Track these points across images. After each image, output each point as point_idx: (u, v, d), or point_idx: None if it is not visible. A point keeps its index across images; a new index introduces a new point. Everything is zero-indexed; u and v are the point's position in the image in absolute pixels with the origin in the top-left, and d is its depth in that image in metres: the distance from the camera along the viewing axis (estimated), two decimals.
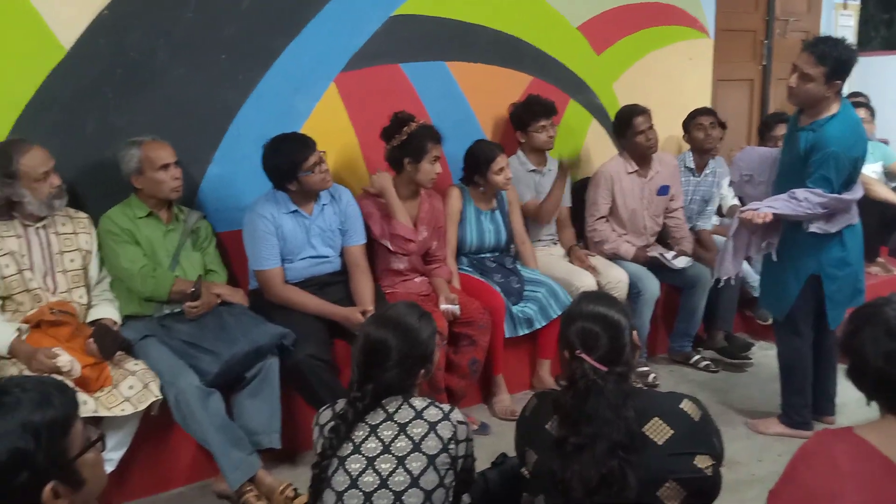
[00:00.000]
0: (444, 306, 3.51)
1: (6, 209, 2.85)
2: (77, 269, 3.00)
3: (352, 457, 1.93)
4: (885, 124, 5.45)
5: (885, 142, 5.31)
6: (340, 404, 2.02)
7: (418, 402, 2.00)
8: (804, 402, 3.47)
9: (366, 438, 1.95)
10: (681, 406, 1.87)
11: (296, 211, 3.35)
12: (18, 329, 2.77)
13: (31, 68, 3.06)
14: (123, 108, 3.25)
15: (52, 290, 2.93)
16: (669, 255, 4.25)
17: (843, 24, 6.46)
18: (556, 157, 4.21)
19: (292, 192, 3.33)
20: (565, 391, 1.88)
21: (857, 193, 3.25)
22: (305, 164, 3.25)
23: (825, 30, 6.16)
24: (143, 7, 3.25)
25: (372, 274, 3.53)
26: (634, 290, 4.10)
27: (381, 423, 1.96)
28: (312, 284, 3.38)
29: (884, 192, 4.68)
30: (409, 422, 1.96)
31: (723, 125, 4.90)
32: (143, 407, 2.78)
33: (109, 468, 2.72)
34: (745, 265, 4.21)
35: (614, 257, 4.24)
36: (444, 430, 1.96)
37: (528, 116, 4.14)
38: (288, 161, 3.26)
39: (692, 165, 4.61)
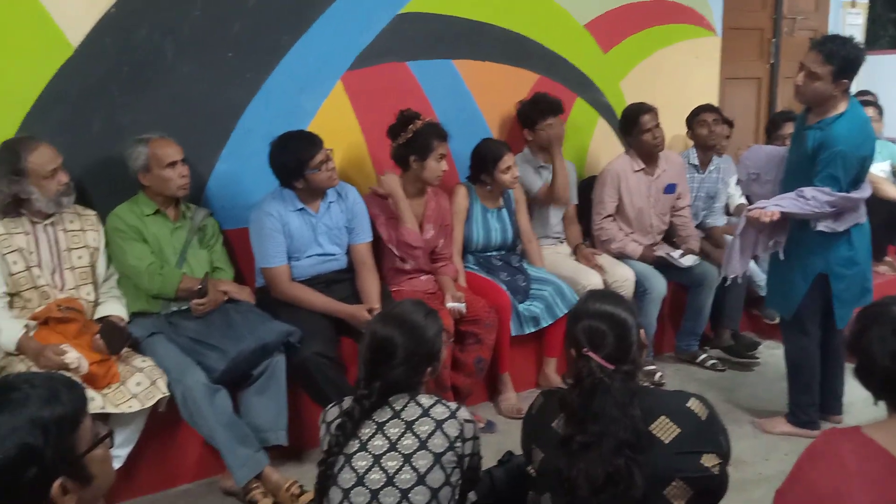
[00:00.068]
0: (450, 304, 3.51)
1: (14, 206, 2.86)
2: (85, 266, 3.01)
3: (358, 454, 1.93)
4: (893, 123, 5.43)
5: (894, 140, 5.29)
6: (347, 402, 2.02)
7: (425, 400, 2.00)
8: (811, 401, 3.47)
9: (372, 436, 1.95)
10: (688, 405, 1.87)
11: (302, 209, 3.36)
12: (26, 326, 2.78)
13: (39, 66, 3.07)
14: (131, 106, 3.26)
15: (60, 287, 2.93)
16: (676, 253, 4.25)
17: (851, 22, 6.44)
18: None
19: (299, 190, 3.34)
20: (572, 389, 1.88)
21: (865, 192, 3.24)
22: (312, 162, 3.25)
23: (833, 28, 6.14)
24: (150, 5, 3.26)
25: (378, 272, 3.53)
26: (641, 289, 4.09)
27: (387, 421, 1.96)
28: (319, 282, 3.38)
29: (892, 191, 4.67)
30: (416, 420, 1.96)
31: (730, 123, 4.89)
32: (150, 404, 2.79)
33: (117, 465, 2.73)
34: (752, 264, 4.21)
35: (621, 256, 4.23)
36: (451, 429, 1.96)
37: (535, 114, 4.13)
38: (295, 159, 3.26)
39: (696, 162, 4.61)
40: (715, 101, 5.20)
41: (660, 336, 4.41)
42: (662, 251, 4.27)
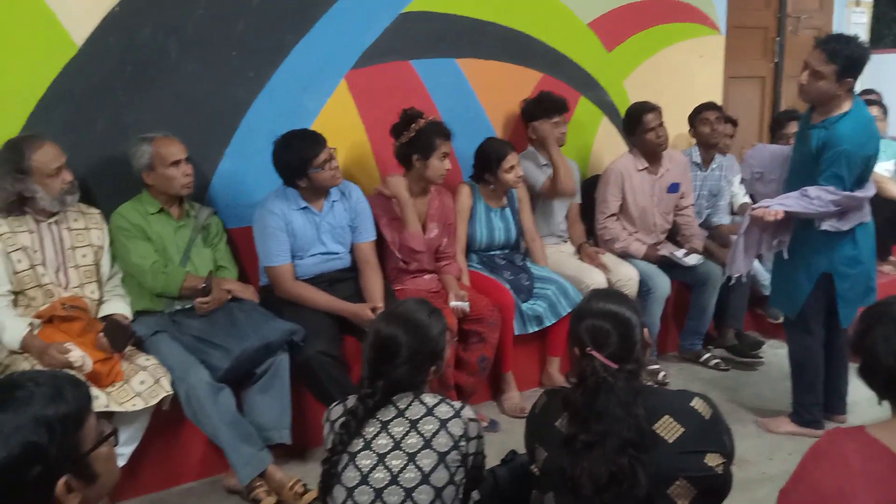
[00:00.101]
0: (453, 303, 3.51)
1: (18, 205, 2.87)
2: (89, 264, 3.01)
3: (362, 453, 1.93)
4: None
5: None
6: (352, 400, 2.02)
7: (429, 399, 2.00)
8: (815, 400, 3.46)
9: (377, 435, 1.95)
10: (691, 404, 1.87)
11: (306, 207, 3.36)
12: (30, 324, 2.78)
13: (43, 65, 3.08)
14: (135, 105, 3.27)
15: (65, 285, 2.94)
16: (680, 252, 4.24)
17: (855, 21, 6.43)
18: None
19: (302, 189, 3.34)
20: (575, 388, 1.87)
21: (869, 191, 3.24)
22: (315, 161, 3.25)
23: (837, 27, 6.12)
24: (154, 4, 3.26)
25: (382, 271, 3.53)
26: (645, 288, 4.09)
27: (392, 420, 1.96)
28: (322, 281, 3.38)
29: None
30: (421, 418, 1.96)
31: (734, 122, 4.89)
32: (154, 402, 2.80)
33: (121, 463, 2.73)
34: (756, 263, 4.20)
35: (624, 255, 4.23)
36: (455, 428, 1.96)
37: (539, 112, 4.13)
38: (298, 158, 3.26)
39: (698, 160, 4.60)
40: (719, 100, 5.19)
41: (663, 335, 4.40)
42: (666, 250, 4.27)
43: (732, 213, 4.82)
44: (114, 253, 3.10)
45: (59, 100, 3.10)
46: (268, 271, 3.34)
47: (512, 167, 3.84)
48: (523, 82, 4.37)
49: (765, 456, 3.30)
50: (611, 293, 2.08)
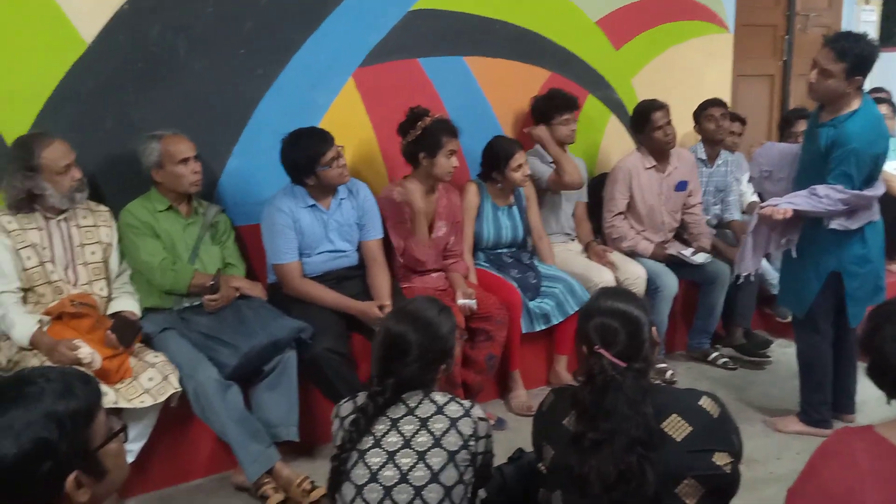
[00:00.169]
0: (461, 301, 3.51)
1: (28, 202, 2.88)
2: (98, 261, 3.02)
3: (372, 450, 1.93)
4: None
5: None
6: (361, 397, 2.02)
7: (439, 398, 2.00)
8: (824, 399, 3.45)
9: (387, 432, 1.95)
10: (699, 403, 1.86)
11: (313, 205, 3.36)
12: (40, 321, 2.80)
13: (52, 62, 3.09)
14: (143, 103, 3.28)
15: (74, 282, 2.95)
16: (688, 251, 4.24)
17: (864, 19, 6.40)
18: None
19: (310, 187, 3.34)
20: (583, 387, 1.87)
21: (878, 190, 3.23)
22: (323, 159, 3.26)
23: (846, 25, 6.10)
24: (162, 2, 3.28)
25: (389, 269, 3.54)
26: (652, 287, 4.08)
27: (401, 418, 1.96)
28: (330, 279, 3.39)
29: None
30: (431, 417, 1.96)
31: (742, 121, 4.88)
32: (162, 399, 2.81)
33: (129, 459, 2.74)
34: (765, 262, 4.19)
35: (632, 254, 4.22)
36: (465, 427, 1.95)
37: (550, 109, 4.11)
38: (306, 156, 3.27)
39: (704, 156, 4.59)
40: (727, 99, 5.17)
41: (671, 334, 4.40)
42: (674, 249, 4.26)
43: (741, 211, 4.81)
44: (122, 250, 3.12)
45: (68, 98, 3.12)
46: (276, 269, 3.35)
47: (520, 166, 3.84)
48: (531, 80, 4.37)
49: (773, 455, 3.30)
50: (619, 291, 2.08)
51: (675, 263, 4.19)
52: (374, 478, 1.90)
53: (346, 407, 2.05)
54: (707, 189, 4.60)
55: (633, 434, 1.76)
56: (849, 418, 3.52)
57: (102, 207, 3.11)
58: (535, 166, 4.09)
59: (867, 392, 3.48)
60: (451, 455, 1.92)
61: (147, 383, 2.80)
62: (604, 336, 1.86)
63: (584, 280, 3.93)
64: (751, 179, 4.17)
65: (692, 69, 5.04)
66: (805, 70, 3.55)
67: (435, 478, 1.89)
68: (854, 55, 3.06)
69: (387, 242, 3.60)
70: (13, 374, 1.41)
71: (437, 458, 1.91)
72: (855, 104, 3.14)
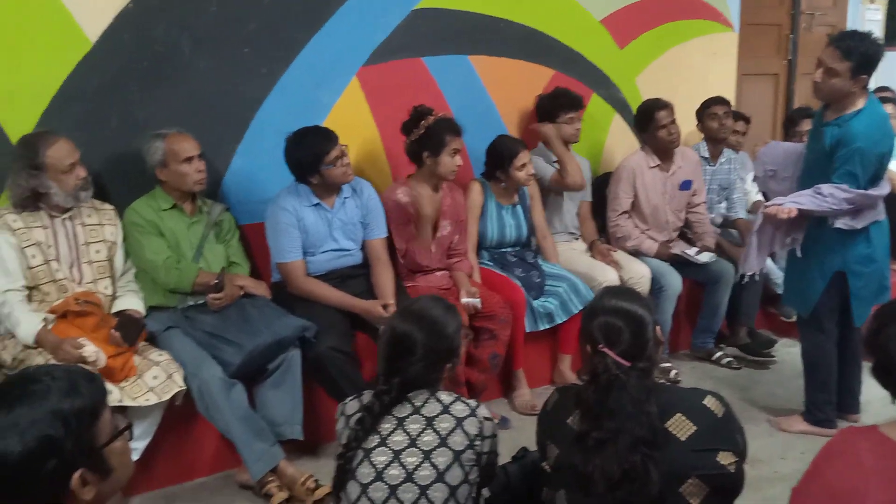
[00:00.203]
0: (465, 300, 3.51)
1: (33, 200, 2.88)
2: (102, 260, 3.03)
3: (378, 449, 1.93)
4: None
5: None
6: (367, 396, 2.02)
7: (445, 397, 2.00)
8: (828, 399, 3.45)
9: (392, 431, 1.94)
10: (704, 402, 1.86)
11: (318, 204, 3.37)
12: (44, 319, 2.80)
13: (57, 61, 3.09)
14: (148, 102, 3.28)
15: (78, 280, 2.96)
16: (692, 250, 4.23)
17: (870, 18, 6.39)
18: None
19: (314, 186, 3.35)
20: (587, 386, 1.87)
21: (883, 189, 3.22)
22: (327, 158, 3.26)
23: (852, 24, 6.09)
24: (167, 1, 3.28)
25: (393, 267, 3.54)
26: (657, 286, 4.08)
27: (407, 417, 1.96)
28: (334, 277, 3.39)
29: None
30: (436, 416, 1.95)
31: (747, 120, 4.87)
32: (167, 397, 2.81)
33: (134, 457, 2.74)
34: (769, 261, 4.18)
35: (636, 253, 4.22)
36: (471, 427, 1.95)
37: (555, 108, 4.11)
38: (310, 154, 3.27)
39: (706, 155, 4.59)
40: (732, 98, 5.17)
41: (675, 333, 4.39)
42: (678, 248, 4.25)
43: (747, 210, 4.80)
44: (127, 249, 3.12)
45: (72, 96, 3.12)
46: (280, 268, 3.35)
47: (523, 165, 3.83)
48: (535, 79, 4.36)
49: (777, 455, 3.29)
50: (623, 290, 2.07)
51: (680, 263, 4.19)
52: (379, 476, 1.90)
53: (351, 405, 2.05)
54: (710, 187, 4.59)
55: (637, 433, 1.76)
56: (853, 418, 3.51)
57: (107, 206, 3.12)
58: (539, 166, 4.08)
59: (872, 392, 3.49)
60: (457, 454, 1.92)
61: (151, 381, 2.80)
62: (608, 335, 1.86)
63: (588, 279, 3.93)
64: (755, 179, 4.16)
65: (697, 68, 5.03)
66: (810, 69, 3.54)
67: (440, 477, 1.89)
68: (859, 54, 3.05)
69: (391, 241, 3.60)
70: (18, 372, 1.42)
71: (442, 458, 1.91)
72: (860, 103, 3.14)
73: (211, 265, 3.19)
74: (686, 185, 4.31)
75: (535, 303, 3.81)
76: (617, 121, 4.80)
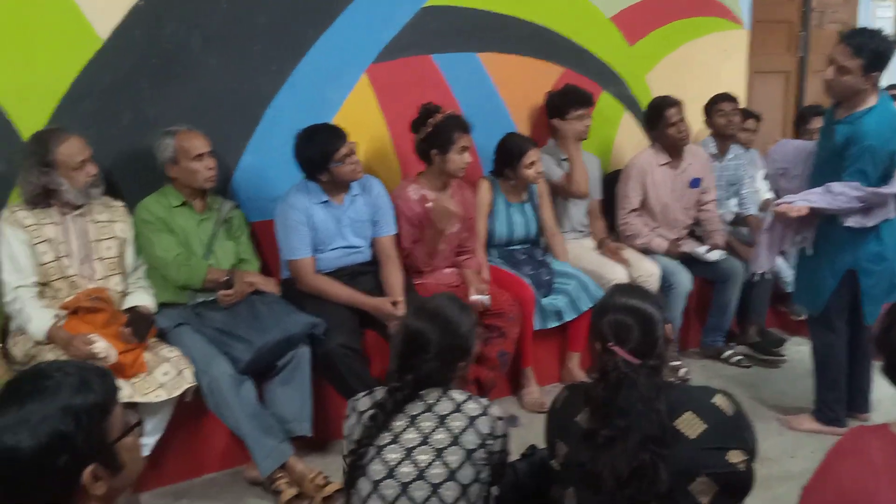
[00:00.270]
0: (474, 297, 3.51)
1: (44, 197, 2.90)
2: (113, 256, 3.04)
3: (390, 446, 1.93)
4: None
5: None
6: (379, 392, 2.03)
7: (458, 396, 2.00)
8: (838, 398, 3.43)
9: (405, 429, 1.94)
10: (713, 400, 1.86)
11: (327, 201, 3.37)
12: (56, 315, 2.82)
13: (68, 59, 3.10)
14: (158, 99, 3.29)
15: (89, 277, 2.97)
16: (702, 248, 4.22)
17: (880, 15, 6.36)
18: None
19: (324, 183, 3.35)
20: (597, 383, 1.87)
21: (894, 187, 3.20)
22: (337, 155, 3.27)
23: (862, 21, 6.05)
24: None
25: (402, 264, 3.54)
26: (666, 284, 4.07)
27: (420, 414, 1.96)
28: (343, 274, 3.40)
29: None
30: (449, 414, 1.95)
31: (757, 117, 4.85)
32: (177, 393, 2.82)
33: (144, 453, 2.76)
34: (779, 259, 4.17)
35: (646, 251, 4.21)
36: (483, 426, 1.95)
37: (564, 105, 4.10)
38: (320, 152, 3.27)
39: (714, 151, 4.57)
40: (742, 95, 5.15)
41: (685, 332, 4.38)
42: (688, 246, 4.24)
43: (758, 209, 4.78)
44: (138, 245, 3.13)
45: (84, 94, 3.13)
46: (289, 265, 3.36)
47: (532, 163, 3.83)
48: (545, 76, 4.35)
49: (787, 453, 3.29)
50: (634, 288, 2.07)
51: (690, 261, 4.18)
52: (391, 474, 1.90)
53: (363, 402, 2.04)
54: (719, 184, 4.57)
55: (646, 431, 1.76)
56: (864, 417, 3.50)
57: (118, 203, 3.13)
58: (546, 165, 4.07)
59: (882, 390, 3.49)
60: (469, 453, 1.92)
61: (162, 378, 2.81)
62: (618, 333, 1.85)
63: (597, 277, 3.92)
64: (766, 177, 4.14)
65: (707, 65, 5.01)
66: (821, 66, 3.53)
67: (452, 476, 1.89)
68: (870, 51, 3.04)
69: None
70: (30, 367, 1.42)
71: (454, 456, 1.91)
72: (871, 101, 3.12)
73: (221, 262, 3.20)
74: (696, 183, 4.30)
75: (544, 300, 3.81)
76: (626, 118, 4.79)
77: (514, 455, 2.29)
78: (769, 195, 4.65)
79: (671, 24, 4.85)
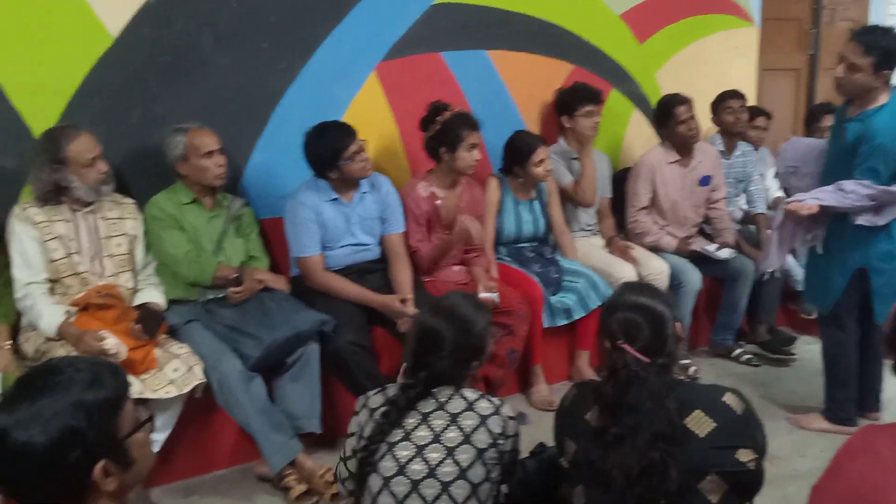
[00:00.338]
0: (483, 295, 3.50)
1: (55, 194, 2.91)
2: (124, 253, 3.05)
3: (401, 443, 1.93)
4: None
5: None
6: (392, 389, 2.03)
7: (470, 394, 2.00)
8: (848, 397, 3.42)
9: (417, 426, 1.95)
10: (723, 399, 1.85)
11: (336, 199, 3.37)
12: (67, 311, 2.83)
13: (79, 56, 3.11)
14: (168, 96, 3.30)
15: (100, 273, 2.98)
16: (712, 246, 4.21)
17: (892, 13, 6.32)
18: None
19: (333, 180, 3.35)
20: (606, 381, 1.87)
21: None
22: (346, 153, 3.27)
23: (874, 18, 6.02)
24: None
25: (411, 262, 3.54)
26: (675, 282, 4.06)
27: (432, 412, 1.96)
28: (352, 272, 3.40)
29: None
30: (461, 413, 1.95)
31: (768, 115, 4.83)
32: (187, 390, 2.83)
33: (154, 449, 2.76)
34: (790, 258, 4.16)
35: (655, 249, 4.20)
36: (495, 425, 1.95)
37: (574, 101, 4.10)
38: (329, 149, 3.28)
39: (722, 148, 4.55)
40: (753, 93, 5.13)
41: (694, 330, 4.38)
42: (698, 244, 4.23)
43: (767, 207, 4.77)
44: (148, 242, 3.14)
45: (94, 91, 3.14)
46: (299, 262, 3.37)
47: (541, 161, 3.83)
48: (554, 74, 4.35)
49: (796, 452, 3.27)
50: (643, 286, 2.06)
51: (699, 259, 4.17)
52: (401, 471, 1.90)
53: (375, 399, 2.05)
54: (727, 181, 4.56)
55: (656, 429, 1.76)
56: (874, 416, 3.49)
57: (128, 200, 3.14)
58: (554, 167, 4.06)
59: (893, 389, 3.48)
60: (480, 452, 1.92)
61: (172, 374, 2.82)
62: (627, 331, 1.85)
63: (605, 275, 3.91)
64: (777, 175, 4.13)
65: (717, 63, 5.00)
66: (831, 64, 3.51)
67: (463, 474, 1.89)
68: (882, 49, 3.03)
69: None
70: (42, 363, 1.43)
71: (465, 455, 1.91)
72: (882, 99, 3.11)
73: (230, 259, 3.21)
74: (705, 181, 4.29)
75: (553, 298, 3.80)
76: (636, 116, 4.77)
77: (523, 453, 2.30)
78: (779, 193, 4.64)
79: (681, 22, 4.84)
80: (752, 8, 5.16)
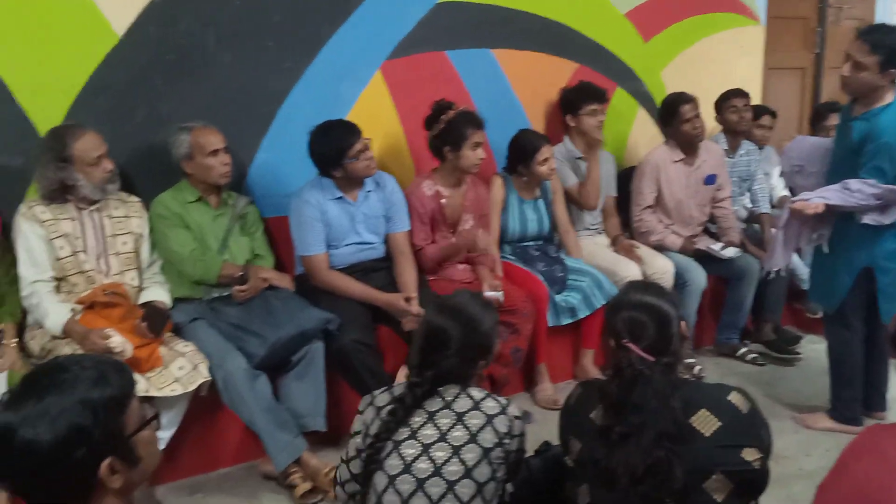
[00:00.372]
0: (487, 293, 3.51)
1: (60, 192, 2.91)
2: (129, 251, 3.06)
3: (407, 442, 1.93)
4: None
5: None
6: (399, 388, 2.03)
7: (476, 393, 2.00)
8: (854, 396, 3.42)
9: (423, 424, 1.95)
10: (728, 398, 1.85)
11: (341, 197, 3.38)
12: (72, 309, 2.84)
13: (85, 55, 3.12)
14: (173, 95, 3.30)
15: (106, 272, 2.99)
16: (717, 245, 4.20)
17: None
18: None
19: (337, 179, 3.36)
20: (611, 380, 1.87)
21: None
22: (351, 151, 3.27)
23: (880, 17, 6.01)
24: None
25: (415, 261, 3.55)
26: (680, 281, 4.05)
27: (438, 411, 1.96)
28: (357, 270, 3.40)
29: None
30: (467, 412, 1.95)
31: (773, 114, 4.82)
32: (192, 388, 2.83)
33: (160, 447, 2.77)
34: (795, 257, 4.15)
35: (660, 248, 4.20)
36: (501, 425, 1.95)
37: (578, 99, 4.09)
38: (334, 148, 3.28)
39: (726, 146, 4.54)
40: (758, 92, 5.12)
41: (699, 329, 4.37)
42: (703, 243, 4.23)
43: (772, 206, 4.76)
44: (153, 241, 3.15)
45: (100, 89, 3.15)
46: (303, 260, 3.37)
47: (546, 160, 3.82)
48: (559, 73, 4.35)
49: (802, 452, 3.27)
50: (648, 285, 2.06)
51: (704, 258, 4.16)
52: (407, 469, 1.90)
53: (382, 397, 2.04)
54: (731, 179, 4.55)
55: (661, 428, 1.75)
56: (879, 415, 3.48)
57: (134, 198, 3.15)
58: (559, 168, 4.05)
59: None
60: (486, 452, 1.92)
61: (177, 372, 2.83)
62: (632, 330, 1.85)
63: (610, 274, 3.91)
64: (782, 174, 4.13)
65: (722, 62, 4.99)
66: (837, 63, 3.50)
67: (468, 473, 1.89)
68: (888, 48, 3.02)
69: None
70: (48, 361, 1.43)
71: (471, 454, 1.91)
72: (888, 97, 3.10)
73: (236, 257, 3.22)
74: (710, 180, 4.28)
75: (558, 297, 3.80)
76: (641, 114, 4.77)
77: (528, 451, 2.30)
78: (785, 192, 4.63)
79: (686, 21, 4.83)
80: (757, 6, 5.15)
